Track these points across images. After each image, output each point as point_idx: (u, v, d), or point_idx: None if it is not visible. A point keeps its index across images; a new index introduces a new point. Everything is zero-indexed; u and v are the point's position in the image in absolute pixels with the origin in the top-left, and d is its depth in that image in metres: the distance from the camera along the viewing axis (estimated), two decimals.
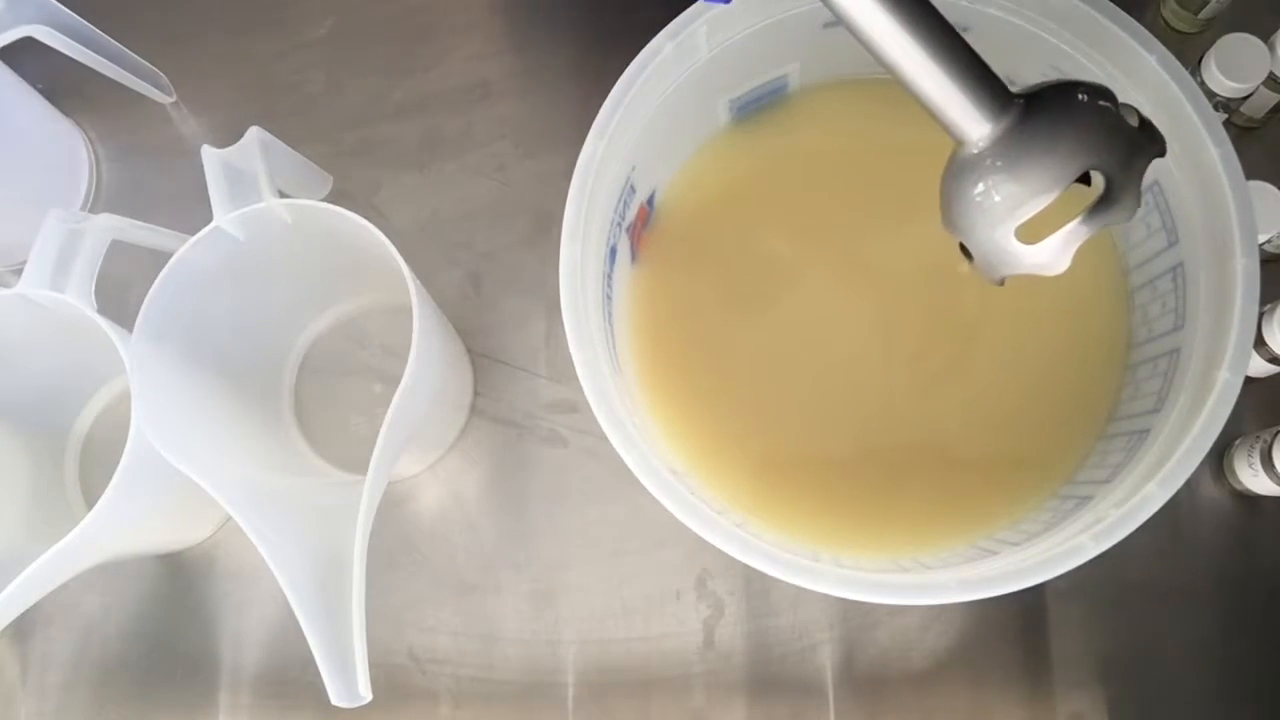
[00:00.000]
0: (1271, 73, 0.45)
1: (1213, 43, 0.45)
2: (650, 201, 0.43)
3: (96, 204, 0.55)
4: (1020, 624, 0.45)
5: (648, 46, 0.37)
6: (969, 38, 0.40)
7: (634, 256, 0.43)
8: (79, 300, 0.40)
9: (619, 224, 0.40)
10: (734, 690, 0.46)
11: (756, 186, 0.45)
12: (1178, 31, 0.50)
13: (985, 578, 0.32)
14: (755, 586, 0.46)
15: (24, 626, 0.49)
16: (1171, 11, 0.50)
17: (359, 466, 0.49)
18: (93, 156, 0.56)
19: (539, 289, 0.51)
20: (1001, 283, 0.28)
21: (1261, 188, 0.43)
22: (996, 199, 0.26)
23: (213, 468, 0.38)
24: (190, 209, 0.42)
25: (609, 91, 0.37)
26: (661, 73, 0.38)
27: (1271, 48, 0.44)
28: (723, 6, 0.36)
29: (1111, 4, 0.36)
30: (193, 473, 0.37)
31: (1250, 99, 0.46)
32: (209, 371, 0.44)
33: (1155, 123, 0.36)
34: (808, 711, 0.45)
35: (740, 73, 0.42)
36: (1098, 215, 0.26)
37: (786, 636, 0.46)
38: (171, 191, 0.55)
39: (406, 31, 0.55)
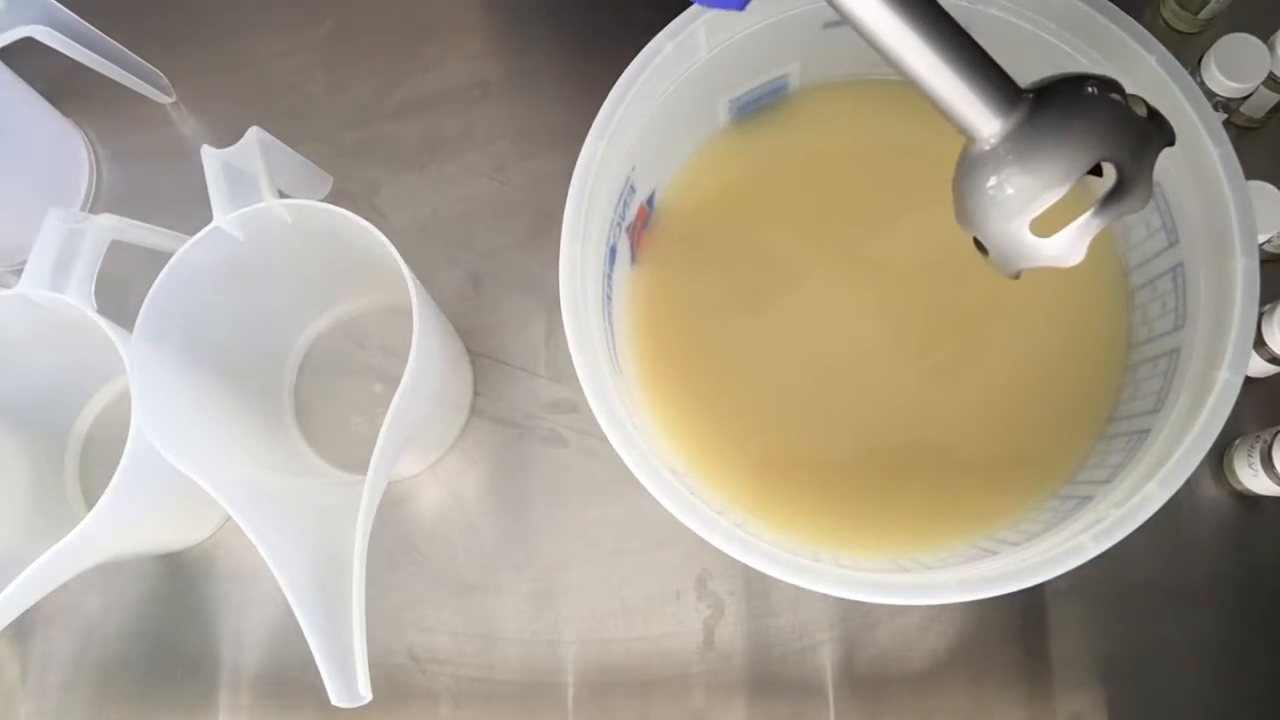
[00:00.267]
0: (1271, 73, 0.45)
1: (1213, 43, 0.45)
2: (650, 201, 0.43)
3: (96, 204, 0.55)
4: (1020, 624, 0.45)
5: (648, 46, 0.37)
6: None
7: (634, 256, 0.43)
8: (79, 300, 0.40)
9: (619, 224, 0.40)
10: (734, 690, 0.46)
11: (756, 186, 0.45)
12: (1178, 31, 0.50)
13: (985, 578, 0.32)
14: (755, 586, 0.46)
15: (24, 626, 0.49)
16: (1171, 11, 0.50)
17: (359, 466, 0.49)
18: (93, 156, 0.56)
19: (539, 289, 0.51)
20: (1017, 276, 0.28)
21: (1261, 188, 0.43)
22: (1010, 192, 0.26)
23: (213, 468, 0.38)
24: (190, 209, 0.42)
25: (609, 91, 0.37)
26: (661, 73, 0.38)
27: (1271, 48, 0.45)
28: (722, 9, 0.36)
29: (1111, 4, 0.36)
30: (193, 473, 0.37)
31: (1250, 99, 0.46)
32: (209, 371, 0.44)
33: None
34: (808, 711, 0.45)
35: (740, 73, 0.42)
36: (1111, 206, 0.26)
37: (786, 636, 0.46)
38: (171, 191, 0.54)
39: (406, 31, 0.55)
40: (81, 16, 0.48)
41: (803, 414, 0.43)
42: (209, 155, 0.41)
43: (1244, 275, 0.33)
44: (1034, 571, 0.31)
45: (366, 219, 0.38)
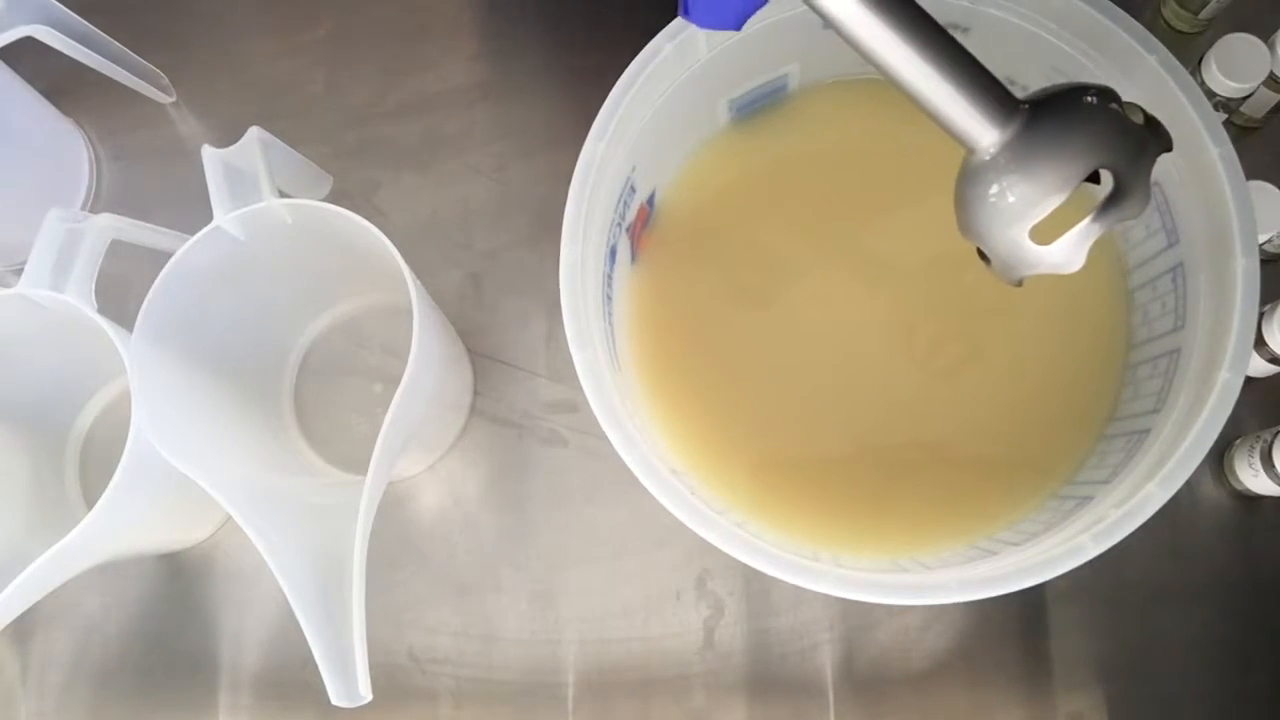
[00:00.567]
0: (1271, 73, 0.45)
1: (1213, 43, 0.45)
2: (650, 201, 0.43)
3: (96, 204, 0.55)
4: (1020, 624, 0.45)
5: (648, 47, 0.37)
6: (969, 39, 0.40)
7: (634, 256, 0.43)
8: (79, 300, 0.40)
9: (619, 224, 0.40)
10: (734, 690, 0.46)
11: (756, 186, 0.45)
12: (1178, 31, 0.50)
13: (985, 578, 0.32)
14: (755, 586, 0.46)
15: (24, 626, 0.49)
16: (1171, 11, 0.50)
17: (359, 466, 0.49)
18: (93, 156, 0.56)
19: (539, 289, 0.51)
20: (1019, 284, 0.29)
21: (1261, 188, 0.43)
22: (1011, 200, 0.27)
23: (213, 468, 0.38)
24: (190, 209, 0.42)
25: (609, 92, 0.37)
26: (661, 73, 0.38)
27: (1271, 48, 0.44)
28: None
29: (1111, 4, 0.36)
30: (193, 473, 0.37)
31: (1250, 99, 0.46)
32: (209, 371, 0.44)
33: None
34: (808, 711, 0.45)
35: (740, 73, 0.42)
36: (1109, 212, 0.27)
37: (786, 636, 0.46)
38: (171, 191, 0.55)
39: (406, 31, 0.55)
40: (81, 16, 0.48)
41: (803, 414, 0.43)
42: (209, 155, 0.41)
43: (1244, 275, 0.33)
44: (1034, 572, 0.31)
45: (366, 219, 0.38)
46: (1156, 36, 0.35)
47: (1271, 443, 0.42)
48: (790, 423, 0.43)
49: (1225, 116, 0.47)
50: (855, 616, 0.46)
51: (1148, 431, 0.36)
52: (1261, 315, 0.43)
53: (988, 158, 0.27)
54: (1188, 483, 0.32)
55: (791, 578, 0.32)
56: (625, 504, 0.48)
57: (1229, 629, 0.45)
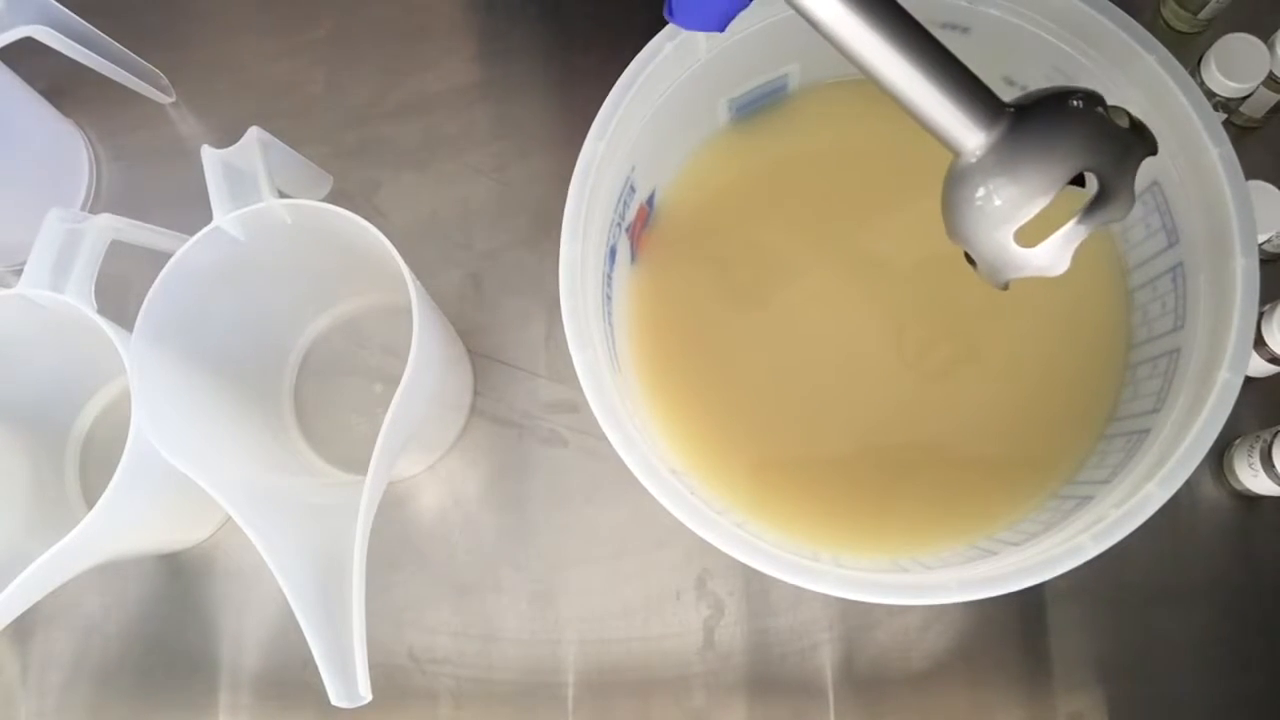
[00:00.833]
0: (1271, 73, 0.45)
1: (1213, 43, 0.45)
2: (650, 201, 0.43)
3: (96, 204, 0.55)
4: (1020, 624, 0.45)
5: (647, 46, 0.37)
6: (969, 39, 0.40)
7: (634, 256, 0.43)
8: (79, 300, 0.40)
9: (619, 224, 0.40)
10: (734, 690, 0.46)
11: (756, 186, 0.45)
12: (1178, 31, 0.50)
13: (985, 578, 0.32)
14: (755, 586, 0.46)
15: (24, 626, 0.49)
16: (1171, 11, 0.50)
17: (359, 466, 0.49)
18: (93, 156, 0.56)
19: (539, 289, 0.51)
20: (1005, 287, 0.29)
21: (1261, 188, 0.43)
22: (997, 203, 0.27)
23: (213, 468, 0.38)
24: (190, 209, 0.42)
25: (609, 92, 0.37)
26: (661, 73, 0.38)
27: (1271, 48, 0.45)
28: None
29: (1111, 4, 0.36)
30: (193, 473, 0.37)
31: (1250, 99, 0.46)
32: (209, 372, 0.44)
33: (1153, 122, 0.36)
34: (808, 711, 0.45)
35: (740, 73, 0.42)
36: (1094, 214, 0.27)
37: (786, 636, 0.46)
38: (171, 191, 0.55)
39: (406, 31, 0.55)
40: (81, 16, 0.48)
41: (803, 413, 0.43)
42: (209, 155, 0.41)
43: (1244, 275, 0.33)
44: (1034, 571, 0.31)
45: (366, 219, 0.38)
46: (1156, 36, 0.35)
47: (1271, 443, 0.42)
48: (790, 423, 0.43)
49: (1225, 116, 0.47)
50: (855, 616, 0.46)
51: (1147, 431, 0.36)
52: (1261, 315, 0.43)
53: (973, 160, 0.27)
54: (1188, 483, 0.32)
55: (791, 578, 0.32)
56: (625, 504, 0.48)
57: (1229, 629, 0.45)
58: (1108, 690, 0.44)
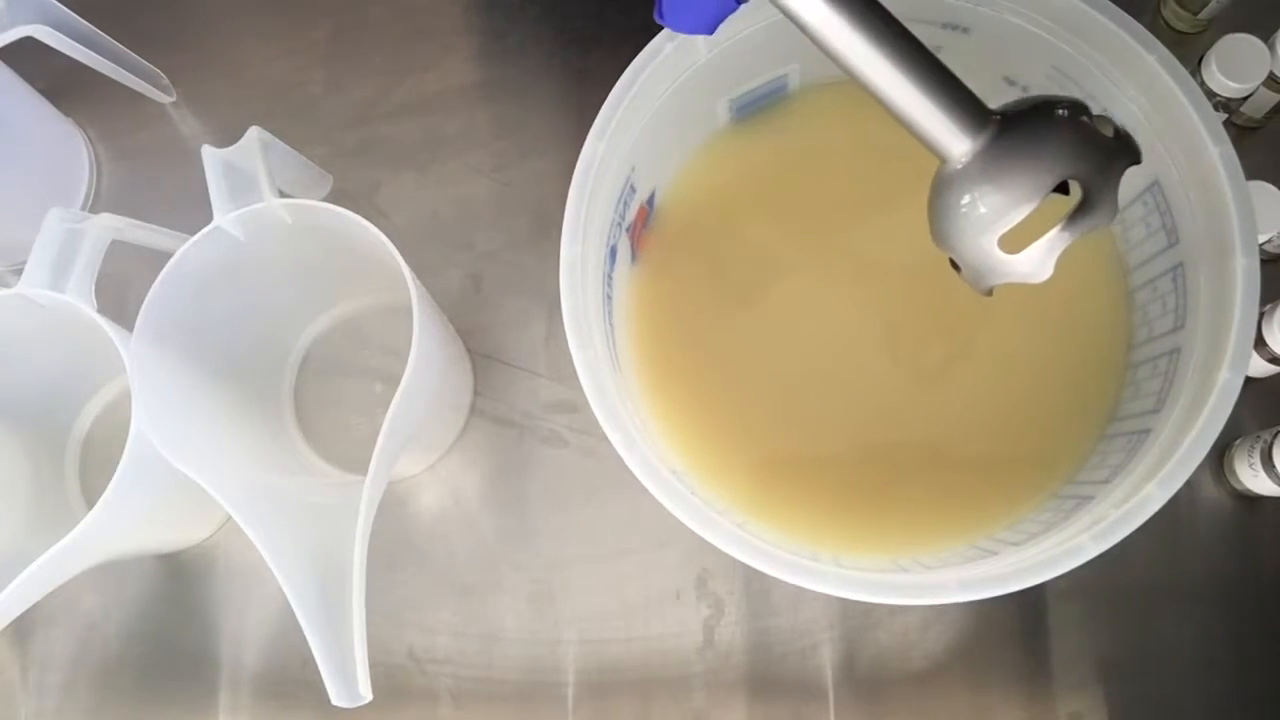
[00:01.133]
0: (1271, 73, 0.45)
1: (1213, 43, 0.45)
2: (650, 201, 0.43)
3: (96, 204, 0.55)
4: (1020, 624, 0.45)
5: (648, 47, 0.37)
6: (969, 39, 0.40)
7: (634, 256, 0.43)
8: (79, 300, 0.40)
9: (619, 224, 0.40)
10: (734, 690, 0.46)
11: (756, 186, 0.45)
12: (1178, 31, 0.50)
13: (985, 578, 0.32)
14: (755, 586, 0.46)
15: (24, 626, 0.49)
16: (1171, 11, 0.50)
17: (359, 466, 0.49)
18: (93, 156, 0.56)
19: (539, 289, 0.51)
20: (989, 293, 0.29)
21: (1261, 188, 0.43)
22: (981, 210, 0.27)
23: (213, 468, 0.38)
24: (190, 209, 0.42)
25: (609, 91, 0.37)
26: (661, 73, 0.38)
27: (1271, 48, 0.44)
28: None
29: (1111, 4, 0.36)
30: (193, 473, 0.37)
31: (1250, 99, 0.46)
32: (209, 372, 0.44)
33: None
34: (808, 711, 0.45)
35: (740, 73, 0.42)
36: (1077, 222, 0.27)
37: (786, 636, 0.46)
38: (171, 191, 0.55)
39: (406, 31, 0.55)
40: (81, 16, 0.48)
41: (803, 413, 0.43)
42: (209, 155, 0.41)
43: (1244, 275, 0.33)
44: (1034, 571, 0.31)
45: (367, 219, 0.38)
46: (1156, 36, 0.35)
47: (1271, 443, 0.42)
48: (790, 422, 0.43)
49: (1225, 116, 0.47)
50: (855, 616, 0.46)
51: (1148, 431, 0.36)
52: (1261, 315, 0.43)
53: (959, 167, 0.27)
54: (1188, 483, 0.32)
55: (791, 578, 0.32)
56: (625, 504, 0.48)
57: (1229, 629, 0.45)
58: (1108, 690, 0.44)
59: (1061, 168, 0.27)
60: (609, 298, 0.40)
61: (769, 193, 0.45)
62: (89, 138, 0.56)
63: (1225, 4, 0.48)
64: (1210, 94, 0.45)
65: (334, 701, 0.34)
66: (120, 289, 0.49)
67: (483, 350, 0.50)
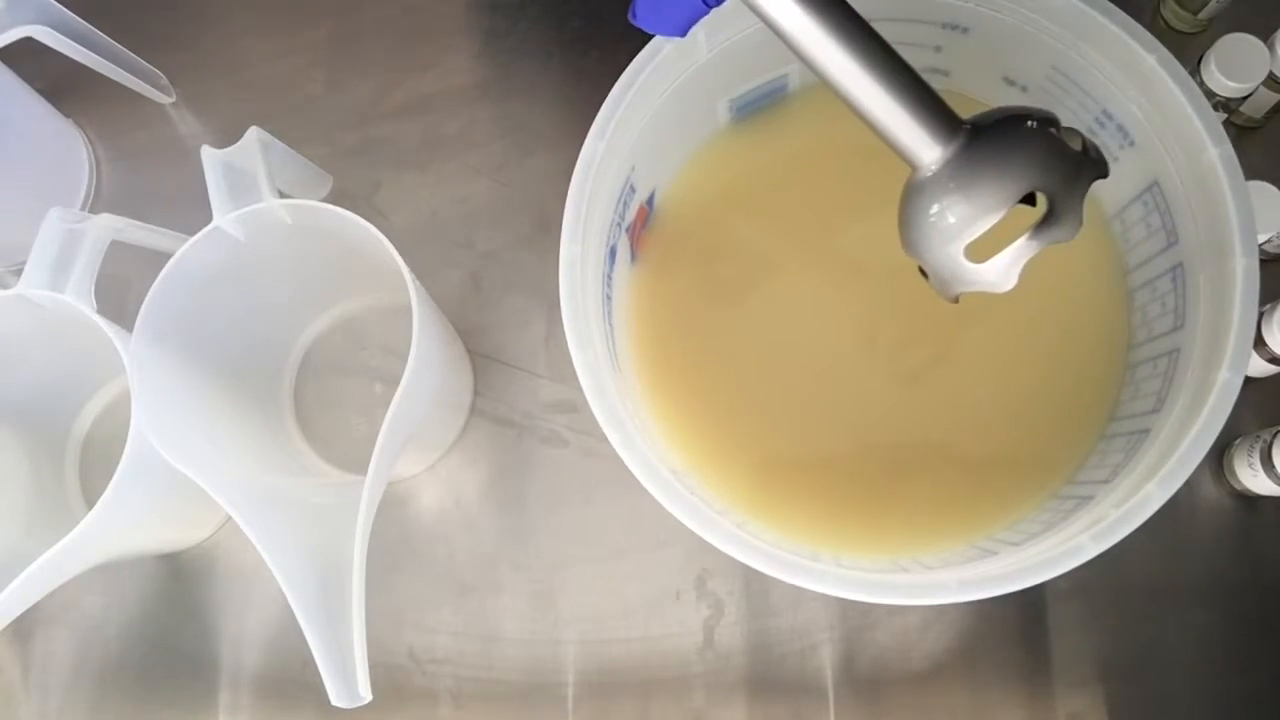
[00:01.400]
0: (1271, 73, 0.45)
1: (1213, 43, 0.45)
2: (650, 201, 0.43)
3: (96, 204, 0.55)
4: (1020, 624, 0.45)
5: (648, 46, 0.37)
6: (969, 39, 0.40)
7: (634, 256, 0.43)
8: (79, 300, 0.40)
9: (619, 224, 0.40)
10: (734, 690, 0.46)
11: (756, 186, 0.45)
12: (1178, 31, 0.50)
13: (985, 578, 0.32)
14: (755, 586, 0.46)
15: (25, 627, 0.49)
16: (1171, 11, 0.50)
17: (359, 466, 0.49)
18: (93, 156, 0.56)
19: (539, 289, 0.51)
20: (956, 300, 0.29)
21: (1261, 188, 0.43)
22: (950, 219, 0.28)
23: (213, 468, 0.38)
24: (190, 209, 0.42)
25: (609, 91, 0.37)
26: (661, 73, 0.38)
27: (1271, 48, 0.44)
28: (719, 8, 0.36)
29: (1111, 4, 0.36)
30: (193, 473, 0.37)
31: (1250, 99, 0.46)
32: (209, 372, 0.44)
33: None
34: (808, 711, 0.45)
35: (740, 73, 0.42)
36: (1042, 234, 0.27)
37: (786, 636, 0.46)
38: (171, 191, 0.55)
39: (406, 31, 0.55)
40: (81, 16, 0.48)
41: (803, 413, 0.43)
42: (209, 155, 0.41)
43: (1244, 275, 0.33)
44: (1034, 571, 0.31)
45: (366, 219, 0.38)
46: (1156, 36, 0.35)
47: (1271, 443, 0.42)
48: (790, 422, 0.43)
49: (1225, 116, 0.47)
50: (855, 616, 0.46)
51: (1148, 431, 0.36)
52: (1261, 315, 0.43)
53: (929, 174, 0.28)
54: (1188, 483, 0.31)
55: (791, 578, 0.32)
56: (625, 504, 0.48)
57: (1229, 629, 0.45)
58: (1108, 690, 0.44)
59: (1029, 179, 0.27)
60: (608, 298, 0.40)
61: (769, 193, 0.45)
62: (89, 138, 0.56)
63: (1225, 4, 0.48)
64: (1210, 94, 0.45)
65: (334, 702, 0.34)
66: (120, 289, 0.49)
67: (483, 350, 0.50)
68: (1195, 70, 0.45)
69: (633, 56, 0.37)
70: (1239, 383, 0.32)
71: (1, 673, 0.49)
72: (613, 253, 0.40)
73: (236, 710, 0.48)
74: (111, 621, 0.49)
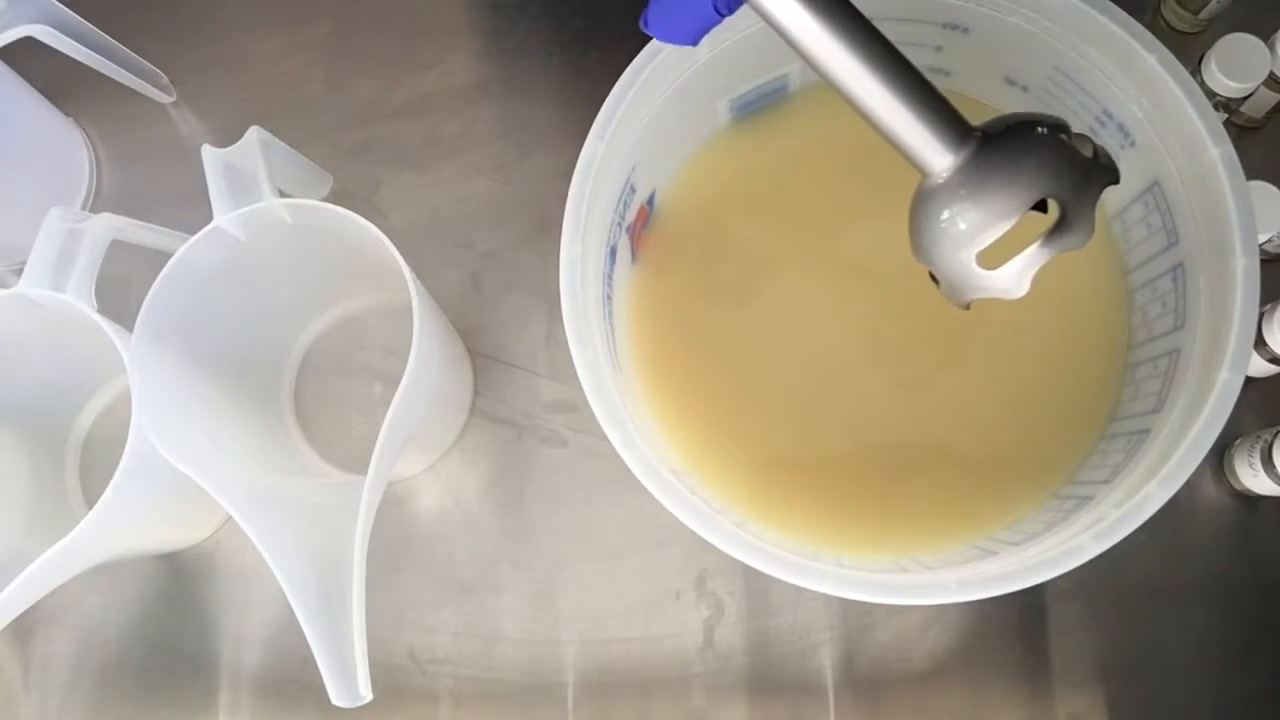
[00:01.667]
0: (1271, 73, 0.45)
1: (1213, 43, 0.45)
2: (650, 201, 0.43)
3: (96, 204, 0.55)
4: (1020, 624, 0.45)
5: (648, 46, 0.37)
6: (969, 39, 0.40)
7: (634, 256, 0.43)
8: (79, 300, 0.40)
9: (619, 224, 0.40)
10: (734, 690, 0.46)
11: (756, 186, 0.45)
12: (1178, 31, 0.50)
13: (985, 578, 0.32)
14: (755, 586, 0.46)
15: (25, 626, 0.49)
16: (1171, 11, 0.50)
17: (359, 466, 0.49)
18: (93, 156, 0.56)
19: (539, 289, 0.51)
20: (967, 307, 0.29)
21: (1261, 188, 0.43)
22: (961, 226, 0.27)
23: (213, 468, 0.38)
24: (190, 209, 0.42)
25: (609, 91, 0.37)
26: (661, 73, 0.38)
27: (1271, 48, 0.44)
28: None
29: (1111, 4, 0.36)
30: (193, 473, 0.37)
31: (1250, 99, 0.46)
32: (209, 371, 0.44)
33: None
34: (808, 711, 0.45)
35: (740, 73, 0.42)
36: (1054, 240, 0.27)
37: (786, 636, 0.46)
38: (171, 191, 0.55)
39: (406, 31, 0.55)
40: (81, 16, 0.48)
41: (803, 413, 0.43)
42: (209, 155, 0.41)
43: (1244, 275, 0.33)
44: (1034, 571, 0.31)
45: (367, 219, 0.38)
46: (1156, 36, 0.35)
47: (1271, 443, 0.42)
48: (791, 422, 0.43)
49: (1225, 116, 0.47)
50: (855, 616, 0.46)
51: (1148, 431, 0.36)
52: (1261, 315, 0.43)
53: (940, 182, 0.28)
54: (1188, 483, 0.31)
55: (791, 578, 0.32)
56: (625, 504, 0.48)
57: (1229, 629, 0.45)
58: (1108, 690, 0.44)
59: (1040, 186, 0.27)
60: (609, 297, 0.40)
61: (769, 193, 0.45)
62: (89, 138, 0.56)
63: (1225, 4, 0.48)
64: (1210, 94, 0.45)
65: (334, 701, 0.34)
66: (120, 289, 0.49)
67: (483, 350, 0.50)
68: (1196, 70, 0.45)
69: (633, 56, 0.37)
70: (1239, 383, 0.32)
71: (1, 673, 0.49)
72: (613, 253, 0.40)
73: (236, 710, 0.48)
74: (111, 621, 0.49)
